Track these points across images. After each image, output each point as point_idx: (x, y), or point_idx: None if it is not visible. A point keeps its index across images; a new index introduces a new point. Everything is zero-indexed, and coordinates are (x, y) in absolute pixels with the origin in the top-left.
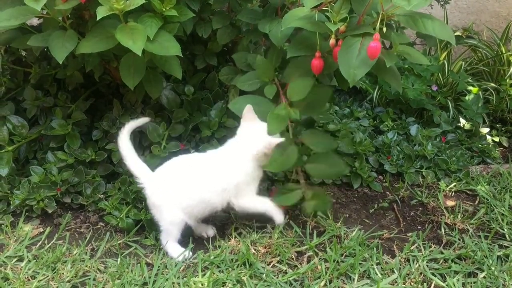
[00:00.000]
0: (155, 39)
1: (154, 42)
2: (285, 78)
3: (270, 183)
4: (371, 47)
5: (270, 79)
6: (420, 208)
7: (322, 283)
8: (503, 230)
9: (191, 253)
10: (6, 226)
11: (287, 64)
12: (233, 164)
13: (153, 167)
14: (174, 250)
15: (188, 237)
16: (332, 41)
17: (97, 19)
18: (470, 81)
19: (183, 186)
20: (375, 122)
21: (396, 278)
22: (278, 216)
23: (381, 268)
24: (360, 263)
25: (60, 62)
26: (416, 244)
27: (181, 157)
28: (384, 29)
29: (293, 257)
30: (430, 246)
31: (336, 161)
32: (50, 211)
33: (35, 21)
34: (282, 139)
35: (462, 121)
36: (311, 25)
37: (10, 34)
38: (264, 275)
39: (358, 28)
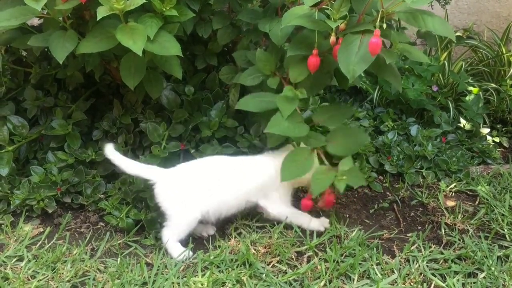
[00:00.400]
0: (156, 39)
1: (155, 42)
2: (285, 66)
3: None
4: (372, 43)
5: (271, 71)
6: (420, 209)
7: (322, 283)
8: (503, 230)
9: (191, 253)
10: (6, 226)
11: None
12: (258, 167)
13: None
14: (175, 249)
15: (188, 237)
16: (332, 38)
17: (98, 19)
18: (471, 81)
19: (208, 187)
20: (375, 122)
21: (396, 278)
22: (316, 225)
23: (381, 268)
24: (360, 263)
25: (61, 62)
26: (416, 244)
27: (208, 158)
28: (384, 26)
29: (293, 257)
30: (430, 247)
31: (353, 132)
32: (50, 211)
33: (35, 21)
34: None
35: (463, 122)
36: (311, 23)
37: (11, 34)
38: (264, 275)
39: (358, 25)
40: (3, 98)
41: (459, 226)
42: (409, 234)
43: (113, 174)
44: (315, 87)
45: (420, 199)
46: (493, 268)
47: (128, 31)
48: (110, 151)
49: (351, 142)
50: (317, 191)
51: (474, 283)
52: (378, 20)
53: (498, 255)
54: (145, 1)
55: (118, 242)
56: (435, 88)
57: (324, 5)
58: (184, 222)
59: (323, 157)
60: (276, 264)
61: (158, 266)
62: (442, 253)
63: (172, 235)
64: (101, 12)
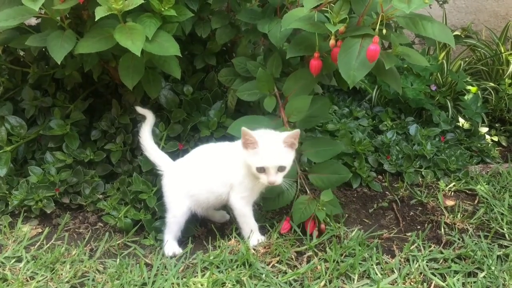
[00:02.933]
0: (154, 39)
1: (153, 42)
2: (285, 91)
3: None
4: (370, 50)
5: (270, 91)
6: (420, 208)
7: (322, 283)
8: (503, 229)
9: (181, 250)
10: (5, 226)
11: (287, 73)
12: (235, 158)
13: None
14: (169, 247)
15: (187, 236)
16: (332, 41)
17: (96, 19)
18: (469, 80)
19: (191, 175)
20: (374, 121)
21: (396, 278)
22: (253, 240)
23: (381, 268)
24: (360, 263)
25: (59, 62)
26: (415, 244)
27: (200, 148)
28: (384, 31)
29: (293, 257)
30: (430, 246)
31: (337, 168)
32: (48, 212)
33: (33, 21)
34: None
35: (461, 121)
36: (310, 26)
37: (8, 34)
38: (263, 275)
39: (357, 29)
40: (1, 98)
41: (458, 225)
42: (409, 234)
43: (111, 174)
44: (312, 120)
45: (419, 198)
46: (493, 268)
47: (127, 31)
48: (146, 129)
49: (333, 178)
50: (297, 220)
51: (474, 282)
52: (378, 24)
53: (498, 254)
54: (143, 1)
55: (117, 242)
56: (433, 87)
57: (324, 7)
58: (172, 215)
59: (305, 185)
60: (276, 264)
61: (158, 267)
62: (442, 253)
63: (167, 231)
64: (100, 12)
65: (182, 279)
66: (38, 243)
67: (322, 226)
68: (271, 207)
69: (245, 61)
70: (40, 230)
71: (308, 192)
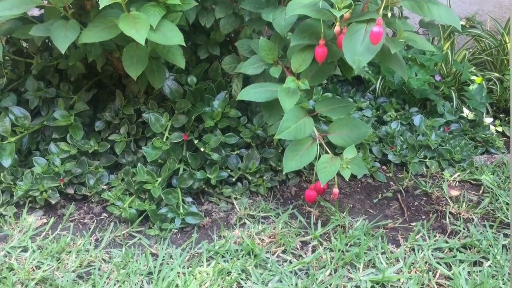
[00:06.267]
0: (158, 28)
1: (157, 32)
2: (288, 55)
3: (273, 173)
4: (373, 32)
5: (274, 61)
6: (424, 198)
7: (327, 272)
8: (508, 219)
9: None
10: (10, 217)
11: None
12: None
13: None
14: None
15: (192, 226)
16: (337, 28)
17: (100, 8)
18: (474, 71)
19: None
20: (378, 112)
21: (401, 267)
22: None
23: (386, 257)
24: (365, 253)
25: (63, 52)
26: (420, 234)
27: None
28: (389, 14)
29: (298, 246)
30: (435, 236)
31: (356, 124)
32: (53, 202)
33: (36, 12)
34: None
35: (466, 111)
36: (315, 12)
37: (11, 25)
38: (269, 264)
39: (362, 14)
40: (5, 90)
41: (463, 215)
42: (414, 224)
43: (116, 165)
44: (318, 77)
45: (424, 188)
46: (498, 257)
47: (131, 20)
48: None
49: (353, 134)
50: (324, 180)
51: (480, 271)
52: (382, 9)
53: (503, 244)
54: None
55: (122, 232)
56: (438, 78)
57: None
58: None
59: (325, 146)
60: (280, 254)
61: (163, 256)
62: (447, 242)
63: None
64: (103, 1)
65: (187, 268)
66: (44, 233)
67: (335, 190)
68: (292, 167)
69: (248, 42)
70: (45, 221)
71: (330, 152)
